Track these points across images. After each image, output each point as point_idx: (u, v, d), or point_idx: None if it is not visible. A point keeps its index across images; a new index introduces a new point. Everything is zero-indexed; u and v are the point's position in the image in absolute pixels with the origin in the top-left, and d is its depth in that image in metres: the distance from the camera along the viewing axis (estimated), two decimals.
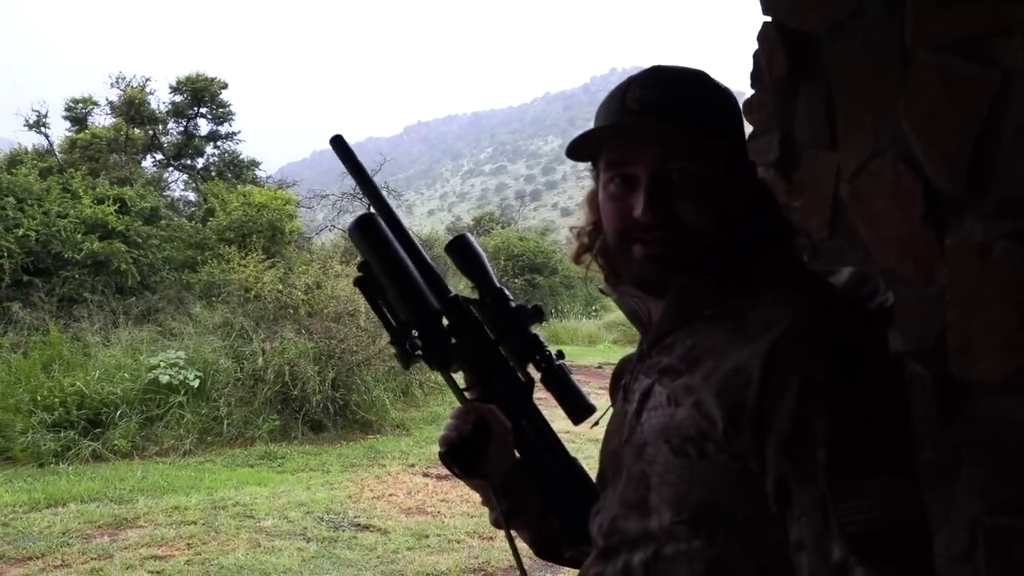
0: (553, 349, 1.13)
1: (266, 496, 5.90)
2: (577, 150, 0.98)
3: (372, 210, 1.16)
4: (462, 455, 1.08)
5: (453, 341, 1.11)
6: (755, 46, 1.70)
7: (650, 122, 0.92)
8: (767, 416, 0.80)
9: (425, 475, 6.67)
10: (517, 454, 1.13)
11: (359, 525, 5.34)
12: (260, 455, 7.24)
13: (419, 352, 1.09)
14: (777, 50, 1.65)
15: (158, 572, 4.46)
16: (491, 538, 5.11)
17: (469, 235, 1.19)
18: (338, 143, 1.18)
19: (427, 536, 5.12)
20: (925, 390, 1.40)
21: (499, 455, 1.09)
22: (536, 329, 1.13)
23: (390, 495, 6.06)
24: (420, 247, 1.16)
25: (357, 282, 1.12)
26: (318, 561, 4.67)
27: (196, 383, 7.80)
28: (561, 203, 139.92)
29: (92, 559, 4.64)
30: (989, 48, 1.29)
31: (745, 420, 0.81)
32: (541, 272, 20.25)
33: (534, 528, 1.14)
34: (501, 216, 31.86)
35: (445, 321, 1.12)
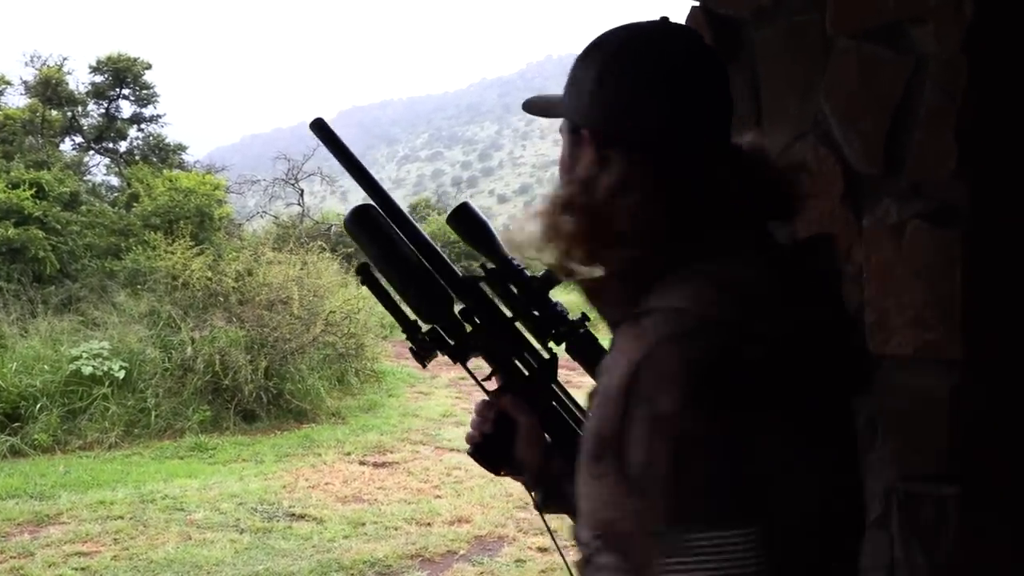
0: (575, 315, 1.06)
1: (197, 488, 5.76)
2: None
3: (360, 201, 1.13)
4: (488, 453, 1.06)
5: (468, 328, 1.07)
6: None
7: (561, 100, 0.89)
8: (623, 446, 0.71)
9: (362, 463, 6.61)
10: (548, 437, 1.08)
11: (294, 515, 5.26)
12: (190, 447, 7.05)
13: (434, 347, 1.07)
14: (704, 35, 1.68)
15: (83, 569, 4.32)
16: (428, 524, 5.11)
17: (471, 203, 1.14)
18: (319, 127, 1.13)
19: (364, 524, 5.08)
20: None
21: (527, 446, 1.06)
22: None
23: (326, 484, 5.99)
24: (420, 229, 1.12)
25: (364, 281, 1.09)
26: (252, 552, 4.59)
27: (121, 374, 7.54)
28: (498, 190, 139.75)
29: (11, 558, 4.45)
30: (904, 34, 1.35)
31: (609, 446, 0.73)
32: (478, 259, 20.24)
33: (571, 511, 1.06)
34: (437, 203, 31.65)
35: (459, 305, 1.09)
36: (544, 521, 1.09)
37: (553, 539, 1.11)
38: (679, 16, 1.69)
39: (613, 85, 0.83)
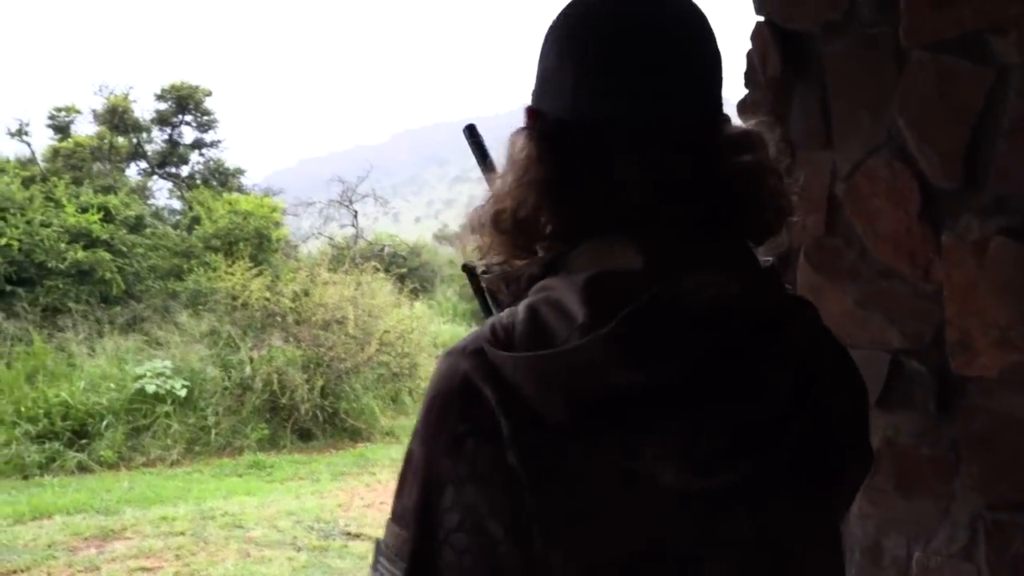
0: None
1: (255, 506, 5.85)
2: None
3: None
4: None
5: None
6: (748, 45, 1.70)
7: None
8: None
9: None
10: None
11: (350, 534, 5.29)
12: (248, 464, 7.18)
13: None
14: (771, 50, 1.65)
15: None
16: None
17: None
18: (471, 132, 1.06)
19: None
20: (923, 386, 1.40)
21: None
22: None
23: (381, 503, 6.01)
24: None
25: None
26: (309, 571, 4.62)
27: (183, 392, 7.73)
28: None
29: (79, 572, 4.57)
30: (984, 44, 1.30)
31: None
32: None
33: None
34: None
35: None
36: None
37: None
38: (745, 31, 1.66)
39: (541, 56, 0.74)
